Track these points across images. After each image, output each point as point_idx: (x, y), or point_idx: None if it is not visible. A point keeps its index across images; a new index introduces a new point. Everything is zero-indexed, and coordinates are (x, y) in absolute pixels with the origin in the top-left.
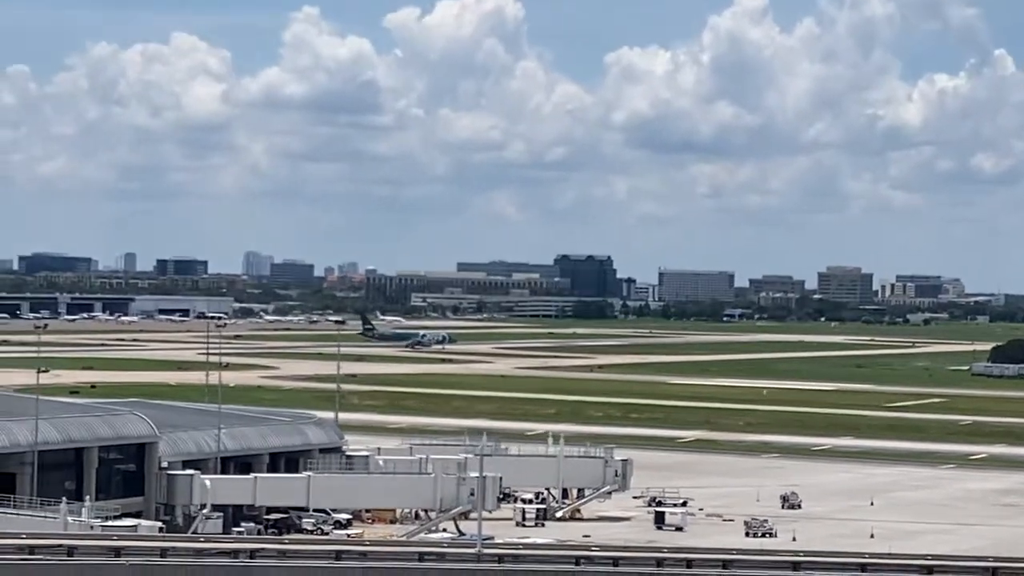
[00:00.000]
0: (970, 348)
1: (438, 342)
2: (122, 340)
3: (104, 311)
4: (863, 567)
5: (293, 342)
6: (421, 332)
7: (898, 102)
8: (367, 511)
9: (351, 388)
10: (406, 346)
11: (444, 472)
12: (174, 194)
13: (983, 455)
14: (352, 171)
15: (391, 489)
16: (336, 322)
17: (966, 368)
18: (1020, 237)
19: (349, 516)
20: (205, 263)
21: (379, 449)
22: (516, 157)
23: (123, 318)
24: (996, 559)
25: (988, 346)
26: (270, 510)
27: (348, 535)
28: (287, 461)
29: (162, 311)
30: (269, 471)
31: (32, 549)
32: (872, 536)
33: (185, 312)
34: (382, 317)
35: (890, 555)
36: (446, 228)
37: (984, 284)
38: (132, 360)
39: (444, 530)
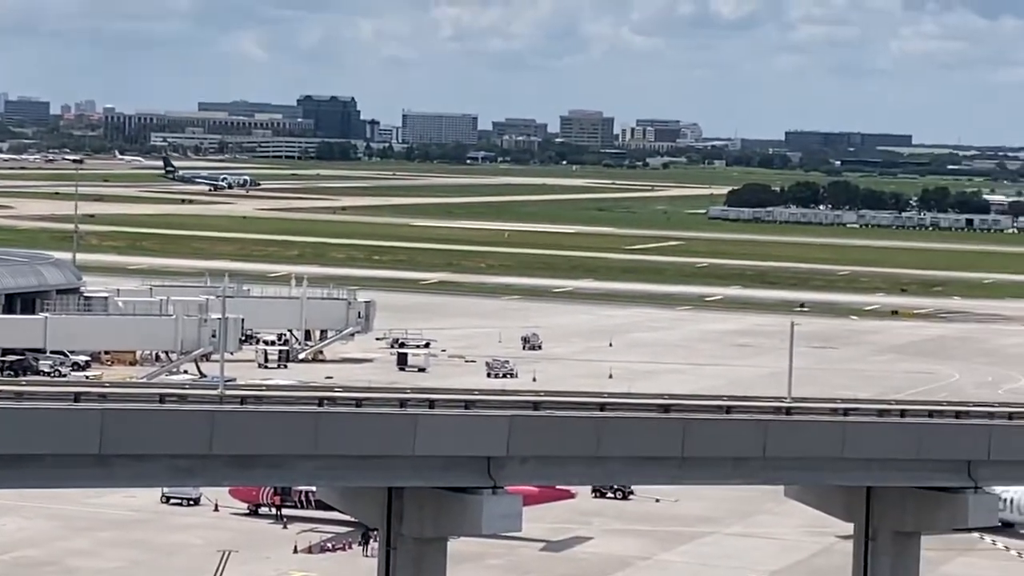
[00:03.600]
0: (707, 192)
1: (240, 185)
2: None
3: None
4: (601, 407)
5: (29, 181)
6: (221, 175)
7: None
8: (106, 353)
9: (90, 229)
10: (209, 189)
11: (185, 313)
12: None
13: (719, 296)
14: (90, 6)
15: (131, 330)
16: (74, 161)
17: (703, 212)
18: (757, 83)
19: (88, 358)
20: None
21: (118, 290)
22: None
23: None
24: (731, 398)
25: (724, 190)
26: (6, 351)
27: (87, 377)
28: (23, 302)
29: None
30: (4, 312)
31: None
32: (611, 376)
33: None
34: (120, 156)
35: (628, 394)
36: (187, 67)
37: (721, 129)
38: None
39: (185, 372)
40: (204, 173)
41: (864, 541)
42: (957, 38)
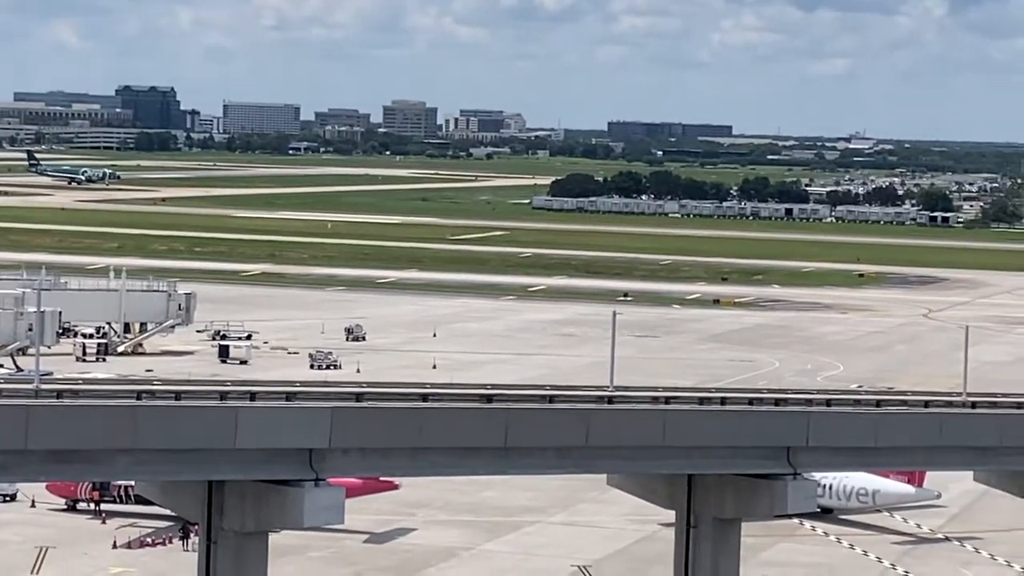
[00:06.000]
0: (531, 182)
1: (100, 178)
2: None
3: None
4: (424, 397)
5: None
6: (82, 169)
7: None
8: None
9: None
10: (68, 183)
11: (0, 307)
12: None
13: (542, 286)
14: None
15: None
16: None
17: (527, 202)
18: (579, 73)
19: None
20: None
21: None
22: None
23: None
24: (553, 387)
25: (548, 180)
26: None
27: None
28: None
29: None
30: None
31: None
32: (435, 367)
33: None
34: None
35: (451, 385)
36: (2, 56)
37: (545, 119)
38: None
39: (1, 366)
40: (66, 167)
41: (686, 528)
42: (776, 30)
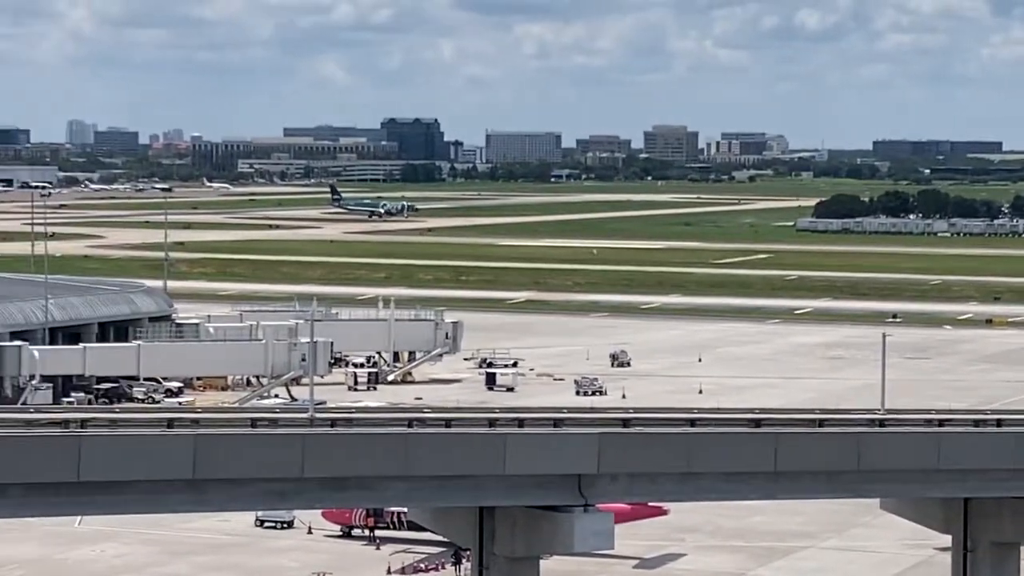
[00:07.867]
0: (795, 204)
1: (398, 211)
2: None
3: None
4: (692, 422)
5: (119, 210)
6: (382, 202)
7: None
8: (198, 379)
9: (179, 256)
10: (368, 216)
11: (275, 338)
12: None
13: (808, 309)
14: (175, 36)
15: (221, 356)
16: (163, 190)
17: (791, 224)
18: (843, 93)
19: (180, 384)
20: (27, 132)
21: (209, 316)
22: (342, 20)
23: None
24: (822, 411)
25: (812, 201)
26: (100, 380)
27: (179, 403)
28: (116, 330)
29: None
30: (98, 341)
31: None
32: (700, 391)
33: (8, 182)
34: (209, 184)
35: (718, 410)
36: (271, 93)
37: (808, 140)
38: None
39: (276, 395)
40: (367, 201)
41: (963, 553)
42: None
